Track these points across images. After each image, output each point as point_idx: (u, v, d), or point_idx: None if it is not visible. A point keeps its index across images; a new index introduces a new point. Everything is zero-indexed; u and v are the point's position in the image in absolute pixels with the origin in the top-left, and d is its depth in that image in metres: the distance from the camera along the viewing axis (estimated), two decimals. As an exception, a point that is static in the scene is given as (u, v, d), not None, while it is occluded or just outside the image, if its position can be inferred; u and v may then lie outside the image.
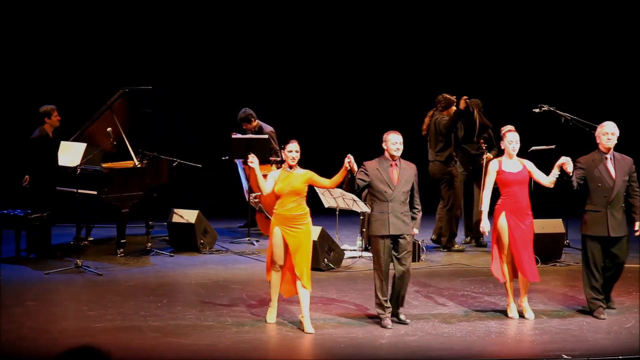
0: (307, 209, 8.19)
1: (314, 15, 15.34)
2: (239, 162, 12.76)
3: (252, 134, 12.48)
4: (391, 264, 8.29)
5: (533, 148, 11.22)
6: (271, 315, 8.36)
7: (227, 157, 12.98)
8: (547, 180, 8.50)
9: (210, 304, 8.99)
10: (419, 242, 11.16)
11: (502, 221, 8.45)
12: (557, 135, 11.23)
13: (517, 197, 8.46)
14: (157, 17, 14.86)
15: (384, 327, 8.19)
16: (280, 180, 8.14)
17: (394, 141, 8.28)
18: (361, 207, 11.22)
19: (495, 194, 8.65)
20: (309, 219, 8.19)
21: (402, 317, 8.37)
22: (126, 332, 8.01)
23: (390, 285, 8.34)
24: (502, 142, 8.67)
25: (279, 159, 13.10)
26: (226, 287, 9.81)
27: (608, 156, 8.56)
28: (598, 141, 8.61)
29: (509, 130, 8.86)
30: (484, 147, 12.28)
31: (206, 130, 14.93)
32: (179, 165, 12.00)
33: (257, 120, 12.67)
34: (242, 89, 15.17)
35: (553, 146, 11.22)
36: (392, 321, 8.28)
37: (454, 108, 11.84)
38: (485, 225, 8.60)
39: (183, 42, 15.09)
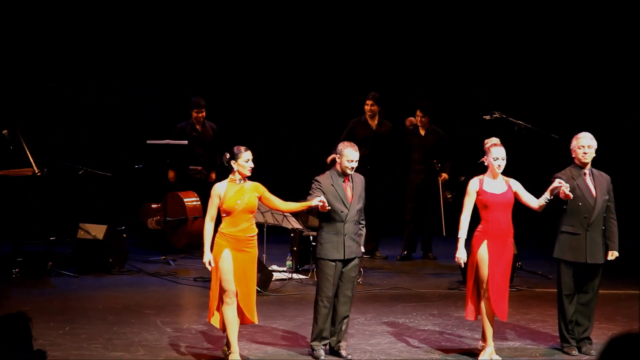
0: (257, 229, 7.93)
1: (299, 18, 15.60)
2: None
3: (200, 125, 13.05)
4: None
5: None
6: None
7: (141, 166, 12.85)
8: (537, 204, 8.09)
9: (120, 332, 8.80)
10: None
11: (483, 251, 7.98)
12: (511, 146, 11.23)
13: (499, 223, 8.00)
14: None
15: (316, 358, 8.08)
16: (231, 195, 7.70)
17: (350, 158, 8.05)
18: (292, 223, 11.12)
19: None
20: (256, 241, 7.89)
21: (343, 352, 8.18)
22: (21, 364, 7.73)
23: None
24: (485, 157, 8.14)
25: (199, 168, 13.03)
26: (138, 312, 9.66)
27: (586, 171, 8.29)
28: (573, 155, 8.33)
29: (494, 145, 8.09)
30: (438, 167, 12.49)
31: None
32: (85, 174, 11.79)
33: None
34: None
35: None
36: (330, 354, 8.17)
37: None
38: (461, 255, 8.10)
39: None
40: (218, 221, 7.86)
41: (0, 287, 10.35)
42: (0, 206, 10.84)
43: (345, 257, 8.04)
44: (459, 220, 8.12)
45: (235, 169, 7.76)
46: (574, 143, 8.31)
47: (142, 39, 15.01)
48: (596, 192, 8.24)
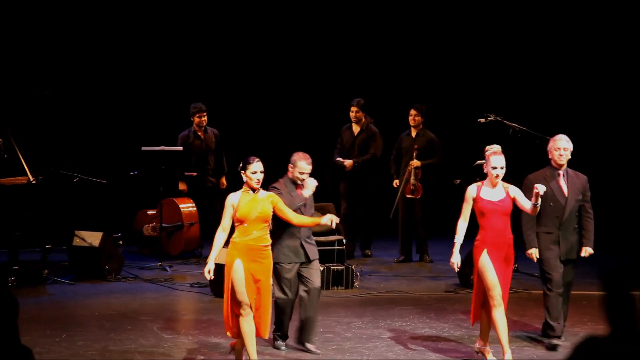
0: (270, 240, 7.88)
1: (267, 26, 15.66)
2: None
3: (202, 132, 13.11)
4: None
5: None
6: None
7: (136, 172, 12.88)
8: (529, 208, 8.09)
9: (116, 339, 8.82)
10: (353, 267, 11.16)
11: (485, 258, 7.96)
12: (506, 148, 11.28)
13: (497, 230, 7.99)
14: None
15: (276, 348, 8.52)
16: (244, 204, 7.63)
17: (302, 170, 8.31)
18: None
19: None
20: (271, 252, 7.86)
21: (311, 347, 8.42)
22: (18, 372, 7.76)
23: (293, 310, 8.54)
24: (484, 165, 8.15)
25: (194, 174, 13.06)
26: (134, 319, 9.67)
27: (561, 172, 8.48)
28: (550, 156, 8.54)
29: (494, 153, 8.06)
30: (415, 154, 12.62)
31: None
32: (80, 181, 11.82)
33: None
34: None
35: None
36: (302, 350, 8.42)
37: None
38: (455, 260, 8.10)
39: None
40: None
41: None
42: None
43: (311, 259, 8.36)
44: (456, 225, 8.18)
45: (244, 179, 7.77)
46: (551, 145, 8.55)
47: (138, 45, 15.07)
48: (568, 192, 8.46)
